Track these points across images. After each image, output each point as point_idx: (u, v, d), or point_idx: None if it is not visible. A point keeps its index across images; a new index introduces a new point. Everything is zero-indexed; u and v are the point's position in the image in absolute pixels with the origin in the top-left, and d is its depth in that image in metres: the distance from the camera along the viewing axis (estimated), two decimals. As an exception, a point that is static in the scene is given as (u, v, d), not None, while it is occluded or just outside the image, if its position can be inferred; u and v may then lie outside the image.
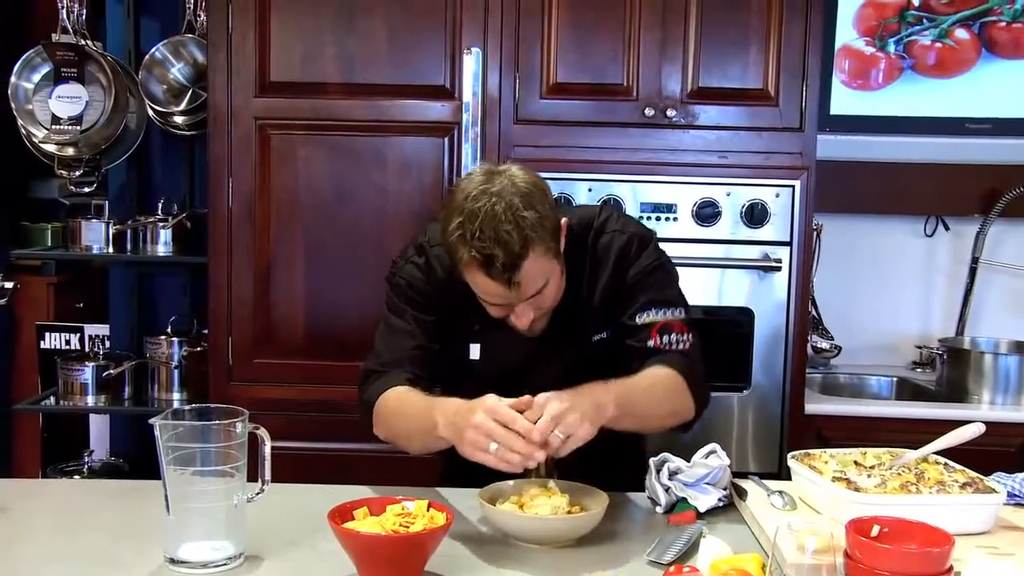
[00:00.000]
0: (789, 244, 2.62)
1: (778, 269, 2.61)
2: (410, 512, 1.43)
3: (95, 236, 2.96)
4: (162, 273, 3.22)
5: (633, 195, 2.62)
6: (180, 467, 1.41)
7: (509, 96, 2.60)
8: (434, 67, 2.60)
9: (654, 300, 1.81)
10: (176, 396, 2.97)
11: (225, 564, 1.42)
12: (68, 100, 2.90)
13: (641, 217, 2.57)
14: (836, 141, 3.02)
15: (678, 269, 1.92)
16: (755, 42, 2.60)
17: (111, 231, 2.96)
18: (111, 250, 2.98)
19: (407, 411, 1.73)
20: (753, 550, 1.45)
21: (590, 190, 2.61)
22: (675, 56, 2.60)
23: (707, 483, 1.72)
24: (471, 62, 2.55)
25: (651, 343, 1.78)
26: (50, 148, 2.92)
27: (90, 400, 2.98)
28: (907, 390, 3.10)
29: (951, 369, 2.93)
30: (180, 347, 2.96)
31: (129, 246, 2.99)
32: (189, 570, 1.41)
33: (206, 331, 2.74)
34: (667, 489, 1.72)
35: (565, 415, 1.49)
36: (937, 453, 1.71)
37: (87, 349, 3.25)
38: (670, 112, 2.60)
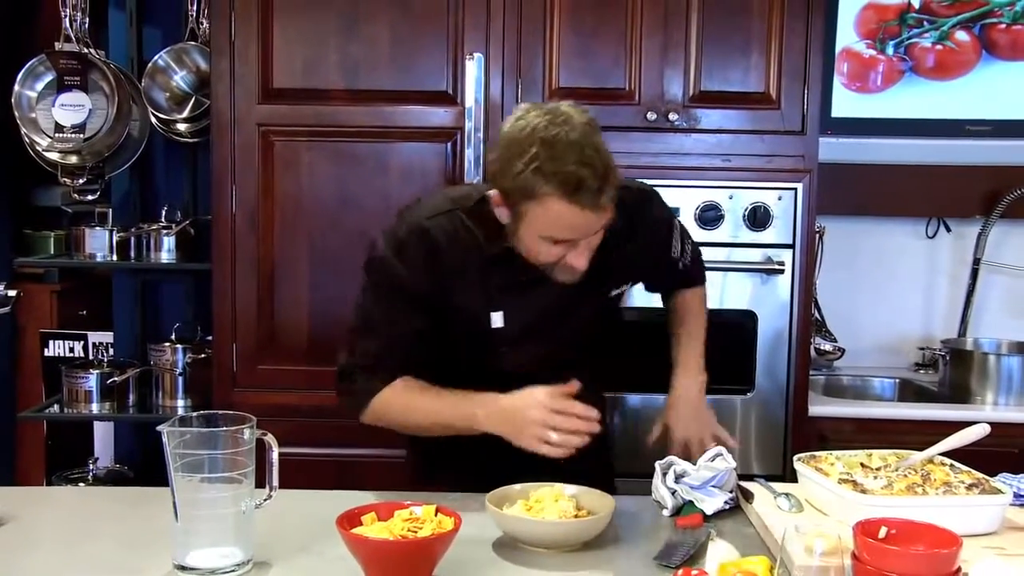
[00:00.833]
0: (792, 247, 2.63)
1: (781, 272, 2.62)
2: (418, 517, 1.44)
3: (98, 244, 2.97)
4: (166, 280, 3.22)
5: (636, 199, 2.62)
6: (188, 474, 1.41)
7: (511, 101, 2.60)
8: (436, 73, 2.61)
9: (673, 233, 2.05)
10: (180, 403, 2.97)
11: (234, 570, 1.42)
12: (71, 108, 2.90)
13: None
14: (837, 144, 3.03)
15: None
16: (756, 45, 2.60)
17: (115, 239, 2.97)
18: (115, 258, 2.98)
19: (424, 404, 1.79)
20: (760, 553, 1.46)
21: (593, 194, 2.61)
22: (677, 60, 2.61)
23: (713, 486, 1.72)
24: (473, 68, 2.56)
25: (680, 265, 2.07)
26: (53, 156, 2.93)
27: (94, 408, 2.97)
28: (910, 391, 3.10)
29: (954, 370, 2.93)
30: (184, 354, 2.97)
31: (133, 253, 2.99)
32: (198, 576, 1.41)
33: (210, 338, 2.75)
34: (673, 492, 1.72)
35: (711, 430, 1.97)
36: (942, 454, 1.71)
37: (91, 357, 3.25)
38: (672, 116, 2.61)
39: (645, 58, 2.60)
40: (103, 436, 3.26)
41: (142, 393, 3.03)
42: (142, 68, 3.06)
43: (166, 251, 2.96)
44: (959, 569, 1.20)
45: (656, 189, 2.04)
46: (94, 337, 3.29)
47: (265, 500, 1.50)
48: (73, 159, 2.93)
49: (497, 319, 1.82)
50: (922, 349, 3.23)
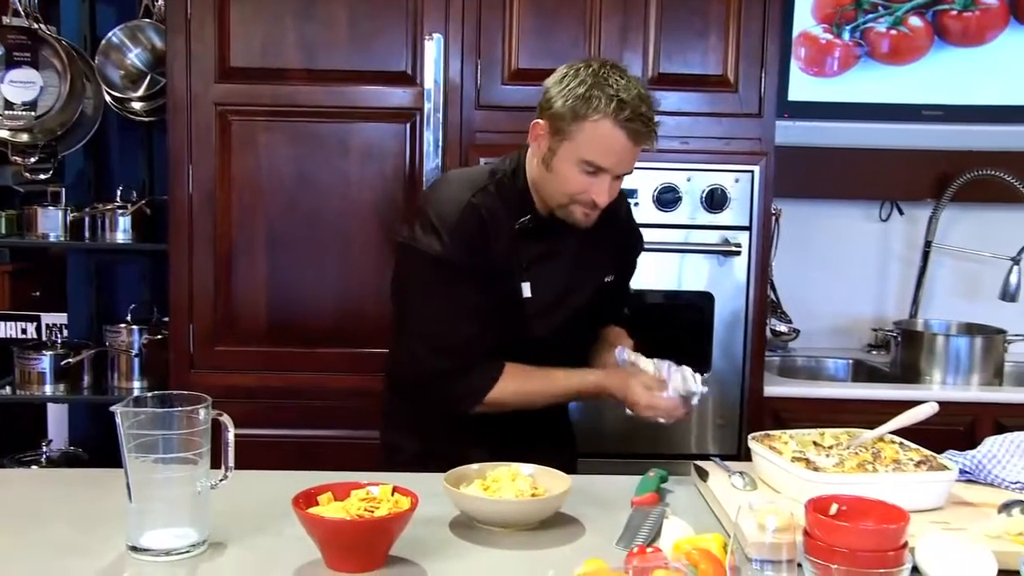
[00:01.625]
0: (748, 229, 2.65)
1: (738, 253, 2.64)
2: (375, 497, 1.44)
3: (51, 224, 2.93)
4: (121, 261, 3.18)
5: (594, 181, 2.63)
6: (142, 455, 1.40)
7: (471, 82, 2.60)
8: (396, 53, 2.59)
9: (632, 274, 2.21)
10: (136, 384, 2.95)
11: (188, 551, 1.41)
12: (21, 85, 2.85)
13: (602, 203, 2.59)
14: (794, 127, 3.06)
15: (640, 254, 2.16)
16: (715, 29, 2.62)
17: (68, 218, 2.93)
18: (68, 238, 2.94)
19: (540, 386, 1.94)
20: (715, 530, 1.47)
21: (552, 176, 2.62)
22: (636, 42, 2.62)
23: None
24: (432, 48, 2.55)
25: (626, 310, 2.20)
26: (3, 134, 2.88)
27: (48, 389, 2.94)
28: (863, 372, 3.15)
29: (905, 351, 2.99)
30: (140, 335, 2.94)
31: (87, 234, 2.95)
32: (152, 558, 1.40)
33: (166, 319, 2.72)
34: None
35: None
36: (893, 432, 1.74)
37: (44, 338, 3.21)
38: (631, 98, 2.61)
39: (604, 39, 2.61)
40: (57, 418, 3.22)
41: (97, 375, 3.00)
42: (95, 45, 3.01)
43: (121, 231, 2.92)
44: (906, 543, 1.22)
45: None
46: (47, 318, 3.24)
47: (221, 480, 1.49)
48: (24, 137, 2.89)
49: (527, 289, 1.91)
50: (875, 330, 3.28)
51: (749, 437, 1.78)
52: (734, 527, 1.31)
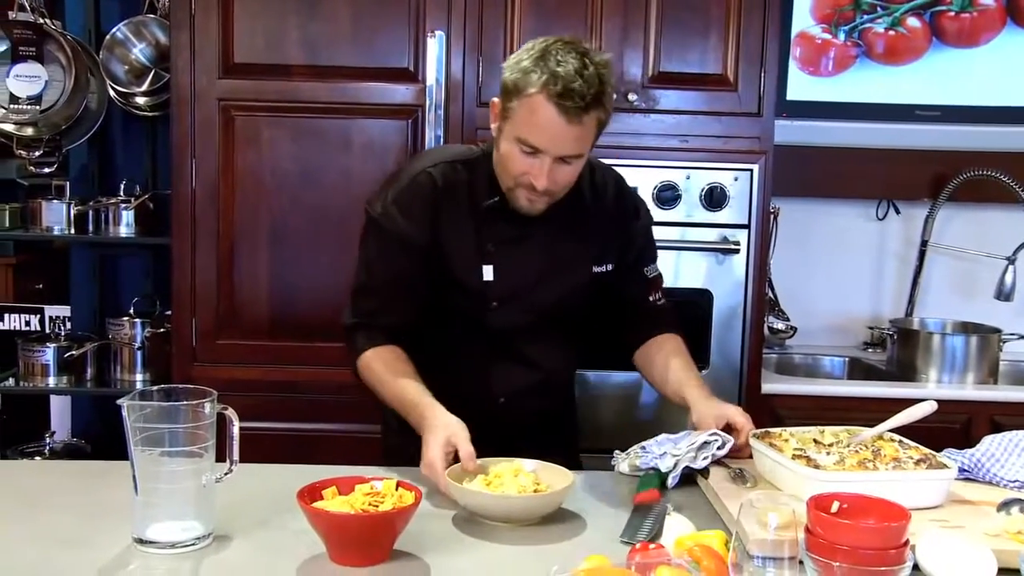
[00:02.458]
0: (747, 227, 2.67)
1: (736, 251, 2.66)
2: (379, 491, 1.45)
3: (56, 217, 2.94)
4: (124, 254, 3.19)
5: (595, 178, 2.64)
6: (148, 448, 1.41)
7: (472, 79, 2.62)
8: (398, 50, 2.61)
9: (655, 257, 2.06)
10: (139, 377, 2.96)
11: (194, 544, 1.42)
12: (26, 79, 2.86)
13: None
14: (792, 126, 3.07)
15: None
16: (715, 28, 2.63)
17: (72, 212, 2.94)
18: (72, 231, 2.95)
19: (388, 383, 1.82)
20: (716, 527, 1.48)
21: (553, 173, 2.63)
22: (636, 41, 2.63)
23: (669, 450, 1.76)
24: (435, 45, 2.56)
25: (652, 298, 2.03)
26: (8, 128, 2.89)
27: (51, 381, 2.96)
28: (859, 370, 3.17)
29: (901, 349, 3.00)
30: (143, 328, 2.95)
31: (91, 227, 2.97)
32: (157, 550, 1.40)
33: (169, 312, 2.74)
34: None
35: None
36: (891, 430, 1.76)
37: (48, 330, 3.22)
38: (631, 96, 2.63)
39: (605, 38, 2.62)
40: (60, 410, 3.23)
41: (100, 367, 3.01)
42: (100, 40, 3.02)
43: (125, 225, 2.94)
44: (907, 541, 1.23)
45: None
46: (51, 311, 3.26)
47: (226, 474, 1.49)
48: (29, 131, 2.89)
49: (488, 272, 1.86)
50: (871, 328, 3.29)
51: (750, 434, 1.79)
52: (736, 524, 1.32)
